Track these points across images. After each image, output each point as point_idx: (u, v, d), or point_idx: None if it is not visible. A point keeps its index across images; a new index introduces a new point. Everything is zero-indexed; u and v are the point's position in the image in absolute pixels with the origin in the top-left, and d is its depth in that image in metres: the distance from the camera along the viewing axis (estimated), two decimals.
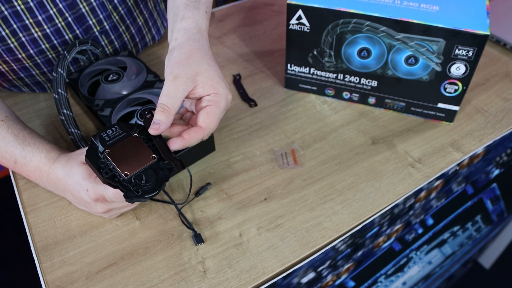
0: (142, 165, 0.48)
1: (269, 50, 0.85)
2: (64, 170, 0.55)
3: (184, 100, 0.53)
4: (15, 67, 0.67)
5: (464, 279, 1.52)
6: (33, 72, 0.70)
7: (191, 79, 0.50)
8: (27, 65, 0.67)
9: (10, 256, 1.56)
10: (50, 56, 0.68)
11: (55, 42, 0.66)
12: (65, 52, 0.64)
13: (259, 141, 0.68)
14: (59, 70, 0.62)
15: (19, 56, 0.65)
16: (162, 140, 0.51)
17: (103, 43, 0.72)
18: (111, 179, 0.48)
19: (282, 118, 0.72)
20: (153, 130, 0.49)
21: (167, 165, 0.50)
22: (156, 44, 0.86)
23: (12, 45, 0.63)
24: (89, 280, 0.52)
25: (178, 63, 0.52)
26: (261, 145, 0.67)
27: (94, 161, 0.49)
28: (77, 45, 0.66)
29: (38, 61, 0.68)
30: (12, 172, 0.64)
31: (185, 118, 0.56)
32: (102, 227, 0.57)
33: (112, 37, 0.73)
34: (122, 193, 0.49)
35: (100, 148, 0.49)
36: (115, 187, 0.48)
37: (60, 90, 0.61)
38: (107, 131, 0.51)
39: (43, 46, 0.66)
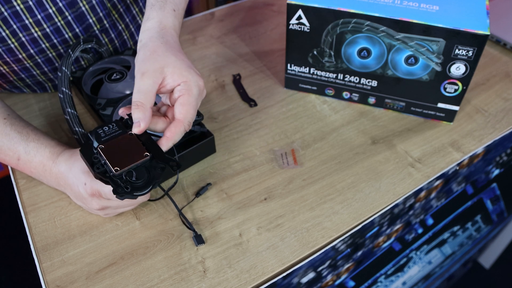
0: (133, 162, 0.48)
1: (269, 50, 0.85)
2: (66, 164, 0.55)
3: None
4: (15, 68, 0.67)
5: (464, 279, 1.52)
6: (34, 72, 0.70)
7: (159, 71, 0.51)
8: (27, 65, 0.67)
9: (10, 256, 1.56)
10: (50, 55, 0.68)
11: (55, 41, 0.66)
12: (70, 50, 0.64)
13: (259, 141, 0.68)
14: (63, 68, 0.62)
15: (20, 56, 0.65)
16: (153, 142, 0.50)
17: (103, 41, 0.72)
18: (102, 174, 0.48)
19: (282, 118, 0.72)
20: (135, 129, 0.49)
21: (159, 164, 0.49)
22: None
23: (12, 46, 0.63)
24: (89, 280, 0.52)
25: (143, 60, 0.52)
26: (261, 145, 0.67)
27: (88, 156, 0.49)
28: (82, 43, 0.66)
29: (39, 60, 0.68)
30: (12, 172, 0.64)
31: (162, 111, 0.55)
32: (102, 227, 0.57)
33: (112, 35, 0.73)
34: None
35: (95, 143, 0.50)
36: (105, 182, 0.48)
37: (64, 89, 0.61)
38: (104, 128, 0.51)
39: (43, 45, 0.66)
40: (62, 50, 0.69)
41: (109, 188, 0.51)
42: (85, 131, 0.62)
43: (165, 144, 0.50)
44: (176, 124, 0.51)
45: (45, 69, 0.70)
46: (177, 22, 0.59)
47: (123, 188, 0.47)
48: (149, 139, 0.50)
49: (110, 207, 0.55)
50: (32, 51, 0.65)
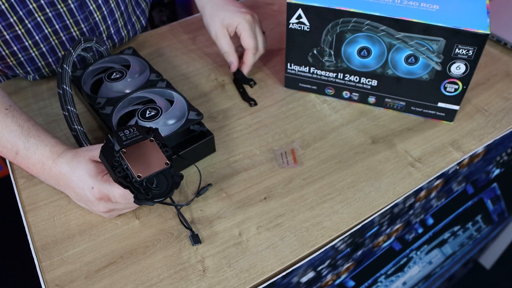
0: (155, 169, 0.49)
1: (269, 50, 0.84)
2: (69, 165, 0.54)
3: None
4: (22, 59, 0.69)
5: (465, 279, 1.52)
6: (39, 64, 0.72)
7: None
8: (33, 54, 0.69)
9: (10, 256, 1.57)
10: (53, 42, 0.71)
11: (57, 26, 0.69)
12: (70, 48, 0.65)
13: (259, 141, 0.68)
14: (64, 66, 0.62)
15: (26, 43, 0.67)
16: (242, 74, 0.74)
17: (101, 28, 0.75)
18: (123, 179, 0.48)
19: (282, 118, 0.72)
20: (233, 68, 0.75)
21: (178, 173, 0.51)
22: (157, 43, 0.86)
23: (19, 32, 0.65)
24: (88, 279, 0.52)
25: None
26: (261, 145, 0.67)
27: (109, 159, 0.49)
28: (82, 42, 0.66)
29: (43, 49, 0.70)
30: (12, 171, 0.64)
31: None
32: (101, 226, 0.57)
33: (109, 22, 0.76)
34: (128, 195, 0.50)
35: (116, 146, 0.50)
36: (125, 187, 0.48)
37: (64, 86, 0.62)
38: (125, 131, 0.51)
39: (46, 31, 0.68)
40: (64, 38, 0.71)
41: (119, 192, 0.51)
42: (83, 129, 0.62)
43: (245, 69, 0.76)
44: (247, 52, 0.75)
45: (50, 59, 0.72)
46: None
47: (143, 195, 0.47)
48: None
49: (116, 209, 0.55)
50: (37, 37, 0.68)
